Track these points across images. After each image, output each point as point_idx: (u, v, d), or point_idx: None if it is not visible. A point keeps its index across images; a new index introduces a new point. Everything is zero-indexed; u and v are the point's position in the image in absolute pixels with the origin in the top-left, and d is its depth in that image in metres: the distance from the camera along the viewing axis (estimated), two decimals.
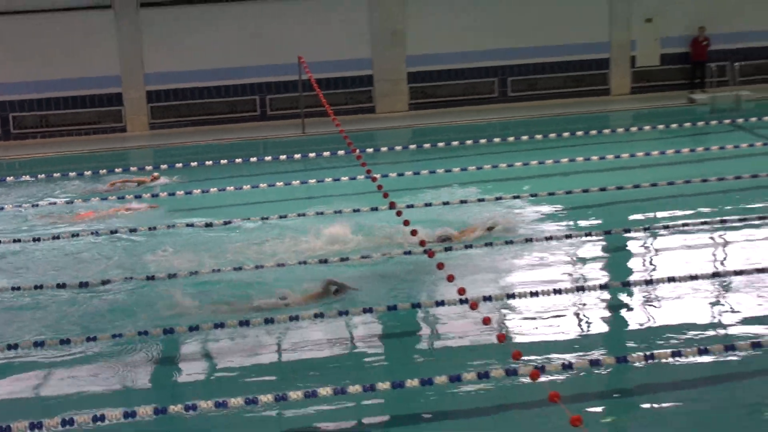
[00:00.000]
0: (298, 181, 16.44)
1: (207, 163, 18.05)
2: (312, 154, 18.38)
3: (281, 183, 16.39)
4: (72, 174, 17.77)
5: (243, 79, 22.75)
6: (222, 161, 18.09)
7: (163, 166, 18.40)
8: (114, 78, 22.27)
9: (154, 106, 22.56)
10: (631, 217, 13.78)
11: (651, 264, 12.08)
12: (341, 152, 17.04)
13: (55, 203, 16.19)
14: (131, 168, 18.60)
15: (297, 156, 18.51)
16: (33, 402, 9.04)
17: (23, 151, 21.07)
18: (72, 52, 21.99)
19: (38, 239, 13.79)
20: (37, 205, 16.06)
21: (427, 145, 19.02)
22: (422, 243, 10.77)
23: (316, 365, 9.52)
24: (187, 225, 14.13)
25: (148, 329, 9.86)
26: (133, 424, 8.01)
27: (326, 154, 18.18)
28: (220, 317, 10.15)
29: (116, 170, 18.21)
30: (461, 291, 9.30)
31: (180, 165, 18.17)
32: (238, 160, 18.18)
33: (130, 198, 16.17)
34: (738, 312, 10.29)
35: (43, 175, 17.71)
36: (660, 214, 13.93)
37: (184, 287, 11.37)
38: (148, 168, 18.11)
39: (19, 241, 13.73)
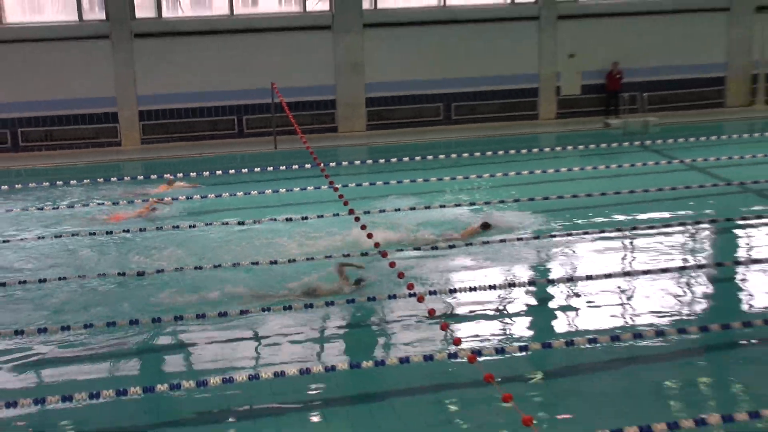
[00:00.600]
0: (270, 190, 16.39)
1: (191, 174, 17.96)
2: (282, 167, 18.37)
3: (255, 192, 16.36)
4: (100, 180, 17.84)
5: (223, 102, 22.65)
6: (204, 173, 18.01)
7: (153, 176, 18.29)
8: (110, 99, 22.08)
9: (146, 124, 22.39)
10: (555, 224, 13.87)
11: (572, 264, 12.18)
12: (308, 166, 17.01)
13: (89, 206, 16.07)
14: (125, 177, 18.42)
15: (269, 168, 18.47)
16: (37, 381, 8.94)
17: (30, 162, 20.85)
18: (74, 76, 21.79)
19: (94, 233, 13.81)
20: (75, 207, 15.89)
21: (382, 161, 19.06)
22: (377, 245, 10.79)
23: (285, 349, 9.51)
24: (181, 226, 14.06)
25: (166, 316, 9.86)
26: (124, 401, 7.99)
27: (295, 167, 18.17)
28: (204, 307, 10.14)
29: (122, 178, 18.07)
30: (410, 286, 9.34)
31: (168, 175, 18.09)
32: (219, 172, 18.08)
33: (153, 201, 15.96)
34: (645, 305, 10.42)
35: (47, 183, 17.50)
36: (580, 221, 14.03)
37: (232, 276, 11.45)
38: (167, 176, 17.88)
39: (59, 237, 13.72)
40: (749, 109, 24.81)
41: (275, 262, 11.80)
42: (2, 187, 17.48)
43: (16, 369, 9.16)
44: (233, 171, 18.32)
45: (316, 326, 10.11)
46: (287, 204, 15.50)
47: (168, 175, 17.79)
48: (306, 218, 14.09)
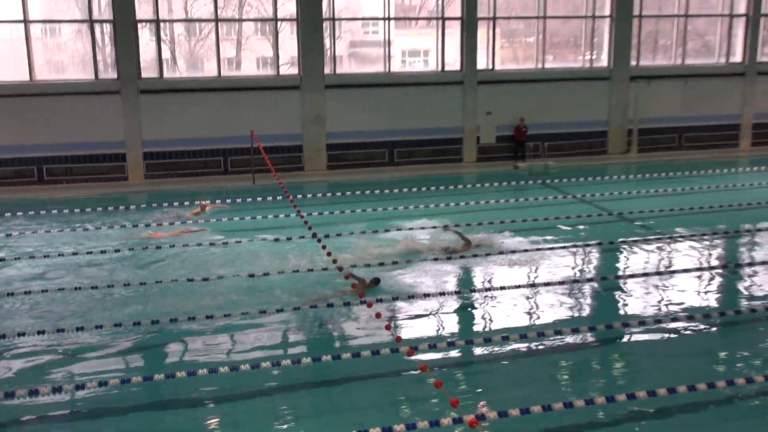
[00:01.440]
0: (249, 217, 16.28)
1: (185, 203, 17.77)
2: (259, 199, 18.26)
3: (237, 218, 16.24)
4: (144, 205, 17.75)
5: (211, 146, 22.44)
6: (195, 202, 17.82)
7: (154, 205, 18.03)
8: (120, 142, 21.73)
9: (149, 163, 22.06)
10: (476, 245, 13.95)
11: (489, 277, 12.24)
12: (280, 198, 16.95)
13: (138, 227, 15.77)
14: (131, 207, 18.13)
15: (249, 200, 18.33)
16: (54, 371, 8.69)
17: (52, 193, 20.39)
18: (90, 123, 21.42)
19: (146, 248, 13.68)
20: (125, 226, 15.72)
21: (339, 194, 19.06)
22: (335, 261, 10.75)
23: (261, 345, 9.37)
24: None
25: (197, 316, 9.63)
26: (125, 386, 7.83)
27: (269, 198, 18.08)
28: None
29: (174, 204, 17.85)
30: (361, 295, 9.32)
31: (166, 204, 17.86)
32: (207, 202, 17.90)
33: (190, 223, 15.82)
34: (545, 310, 10.51)
35: (66, 210, 17.15)
36: (495, 243, 14.11)
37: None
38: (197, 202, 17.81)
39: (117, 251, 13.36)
40: (625, 156, 25.30)
41: (253, 276, 11.70)
42: (29, 212, 17.14)
43: (37, 362, 8.92)
44: (219, 201, 18.14)
45: (285, 328, 10.00)
46: (263, 228, 15.38)
47: (198, 201, 17.72)
48: (278, 239, 14.00)
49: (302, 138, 23.03)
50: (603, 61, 25.24)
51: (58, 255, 13.32)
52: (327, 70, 22.99)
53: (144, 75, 21.81)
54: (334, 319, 10.23)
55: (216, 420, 7.49)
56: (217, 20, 22.10)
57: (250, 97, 22.45)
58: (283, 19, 22.73)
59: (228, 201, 17.85)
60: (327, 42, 22.92)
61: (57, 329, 9.40)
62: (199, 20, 22.68)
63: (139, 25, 21.58)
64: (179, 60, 22.86)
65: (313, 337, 9.79)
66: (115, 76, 21.65)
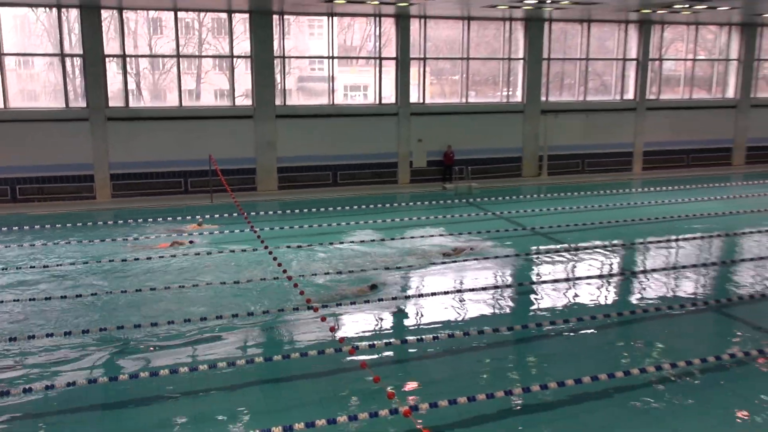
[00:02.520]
0: (207, 232, 16.00)
1: (149, 220, 17.36)
2: (217, 215, 17.97)
3: (197, 233, 15.93)
4: (154, 221, 17.14)
5: (173, 168, 22.00)
6: (159, 219, 17.43)
7: (120, 222, 17.55)
8: (89, 165, 21.10)
9: (115, 183, 21.47)
10: (410, 257, 14.01)
11: (422, 284, 12.29)
12: (235, 214, 16.69)
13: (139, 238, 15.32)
14: (98, 222, 17.59)
15: (207, 216, 18.03)
16: (22, 374, 8.34)
17: (25, 210, 19.64)
18: (61, 147, 20.75)
19: (150, 258, 13.36)
20: (127, 239, 15.21)
21: (288, 211, 18.90)
22: (284, 271, 10.65)
23: (218, 348, 9.18)
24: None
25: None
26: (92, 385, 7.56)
27: (226, 215, 17.80)
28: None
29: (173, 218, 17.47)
30: (308, 300, 9.25)
31: (131, 221, 17.42)
32: (170, 218, 17.54)
33: (187, 235, 15.45)
34: (471, 311, 10.61)
35: (38, 226, 16.52)
36: (427, 255, 14.20)
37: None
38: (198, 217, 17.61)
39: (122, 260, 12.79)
40: (537, 178, 25.87)
41: (210, 284, 11.49)
42: (3, 228, 16.48)
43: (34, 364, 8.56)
44: (180, 218, 17.79)
45: (239, 331, 9.83)
46: (220, 242, 15.14)
47: (199, 216, 17.45)
48: (233, 251, 13.79)
49: (255, 161, 22.81)
50: (518, 96, 25.83)
51: (30, 267, 12.82)
52: (278, 102, 22.87)
53: (111, 104, 21.28)
54: (285, 322, 10.12)
55: (176, 416, 7.30)
56: (178, 56, 21.77)
57: (209, 125, 22.15)
58: (238, 56, 22.55)
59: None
60: (278, 77, 22.83)
61: (29, 335, 9.04)
62: (163, 56, 22.32)
63: (107, 60, 21.08)
64: (144, 91, 22.42)
65: (265, 339, 9.66)
66: (84, 104, 21.07)
